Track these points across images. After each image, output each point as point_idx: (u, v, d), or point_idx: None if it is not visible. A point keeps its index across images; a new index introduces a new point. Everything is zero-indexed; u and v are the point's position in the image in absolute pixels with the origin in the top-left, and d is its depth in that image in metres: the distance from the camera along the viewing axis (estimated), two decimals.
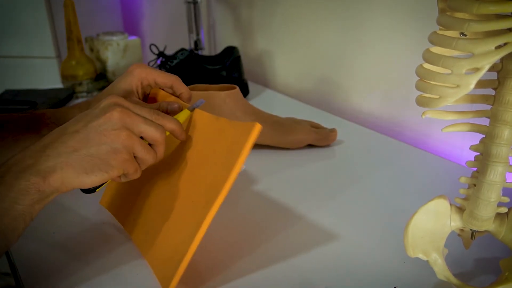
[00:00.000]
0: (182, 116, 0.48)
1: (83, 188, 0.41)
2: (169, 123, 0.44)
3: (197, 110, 0.49)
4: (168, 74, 0.53)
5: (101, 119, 0.40)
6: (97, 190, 0.43)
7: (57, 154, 0.39)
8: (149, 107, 0.45)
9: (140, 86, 0.53)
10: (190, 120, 0.49)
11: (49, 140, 0.40)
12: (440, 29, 0.35)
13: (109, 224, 0.55)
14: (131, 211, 0.51)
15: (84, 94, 1.08)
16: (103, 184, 0.42)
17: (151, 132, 0.42)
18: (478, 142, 0.38)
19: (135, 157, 0.42)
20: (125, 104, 0.42)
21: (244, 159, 0.40)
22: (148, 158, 0.42)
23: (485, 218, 0.39)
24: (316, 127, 0.78)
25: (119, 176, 0.42)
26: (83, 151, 0.39)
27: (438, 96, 0.33)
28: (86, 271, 0.46)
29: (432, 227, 0.41)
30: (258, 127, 0.40)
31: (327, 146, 0.77)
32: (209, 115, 0.47)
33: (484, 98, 0.37)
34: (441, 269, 0.41)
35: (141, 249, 0.47)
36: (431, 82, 0.34)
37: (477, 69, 0.31)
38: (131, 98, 0.52)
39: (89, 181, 0.40)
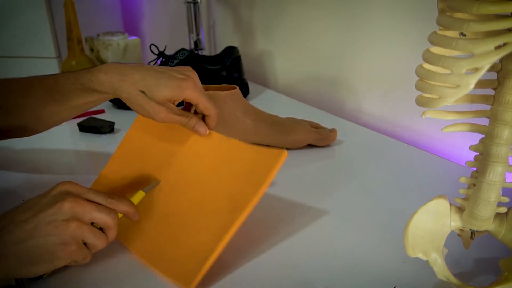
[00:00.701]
0: (137, 197, 0.49)
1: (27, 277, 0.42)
2: (122, 206, 0.44)
3: (213, 133, 0.52)
4: (212, 105, 0.52)
5: (51, 209, 0.40)
6: (43, 277, 0.43)
7: (2, 244, 0.38)
8: (102, 194, 0.44)
9: (180, 101, 0.53)
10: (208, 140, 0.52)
11: None
12: (440, 29, 0.35)
13: None
14: (131, 227, 0.51)
15: None
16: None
17: (103, 218, 0.42)
18: (478, 142, 0.38)
19: (85, 243, 0.42)
20: (77, 192, 0.42)
21: (271, 180, 0.44)
22: (98, 243, 0.42)
23: (485, 218, 0.39)
24: (316, 127, 0.78)
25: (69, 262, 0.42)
26: (29, 242, 0.39)
27: (438, 96, 0.33)
28: (86, 271, 0.46)
29: (432, 227, 0.41)
30: (285, 155, 0.43)
31: (327, 146, 0.77)
32: (233, 141, 0.49)
33: (484, 98, 0.37)
34: (441, 269, 0.41)
35: (146, 258, 0.47)
36: (431, 82, 0.34)
37: (477, 69, 0.31)
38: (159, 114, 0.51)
39: (34, 271, 0.40)
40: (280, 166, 0.44)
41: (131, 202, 0.46)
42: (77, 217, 0.40)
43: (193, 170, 0.51)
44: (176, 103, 0.52)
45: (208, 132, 0.52)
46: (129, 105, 0.51)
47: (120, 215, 0.45)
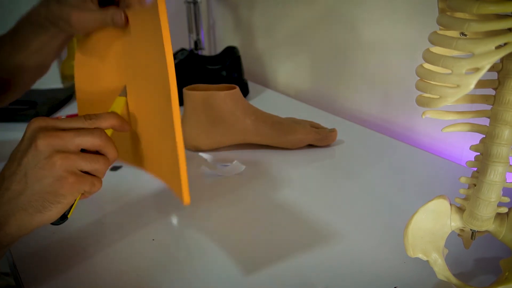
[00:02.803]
0: (118, 105, 0.45)
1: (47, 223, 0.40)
2: (105, 122, 0.42)
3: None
4: None
5: (30, 152, 0.38)
6: (68, 216, 0.41)
7: (4, 202, 0.38)
8: (78, 117, 0.41)
9: None
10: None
11: None
12: (440, 29, 0.35)
13: (109, 224, 0.55)
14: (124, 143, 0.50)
15: None
16: (70, 208, 0.41)
17: (89, 141, 0.39)
18: (478, 142, 0.38)
19: (86, 172, 0.40)
20: (48, 125, 0.39)
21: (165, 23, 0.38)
22: (99, 167, 0.40)
23: (485, 218, 0.39)
24: (316, 127, 0.78)
25: (82, 194, 0.41)
26: (27, 192, 0.38)
27: (438, 96, 0.33)
28: (86, 270, 0.46)
29: (432, 227, 0.41)
30: None
31: (327, 146, 0.77)
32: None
33: (484, 98, 0.37)
34: (441, 269, 0.41)
35: (152, 170, 0.46)
36: (431, 82, 0.34)
37: (477, 69, 0.31)
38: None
39: (46, 217, 0.39)
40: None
41: (114, 113, 0.43)
42: (58, 149, 0.38)
43: (141, 62, 0.46)
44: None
45: (124, 20, 0.46)
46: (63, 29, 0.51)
47: (109, 131, 0.42)
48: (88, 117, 0.41)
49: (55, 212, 0.39)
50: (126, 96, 0.46)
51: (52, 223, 0.40)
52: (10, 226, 0.38)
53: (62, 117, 0.91)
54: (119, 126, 0.43)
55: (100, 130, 0.40)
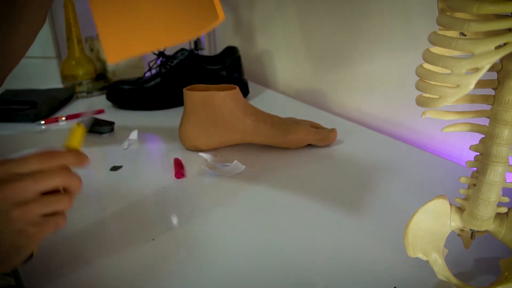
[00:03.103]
0: (75, 136, 0.42)
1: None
2: (64, 159, 0.38)
3: None
4: None
5: None
6: (33, 255, 0.40)
7: None
8: (31, 157, 0.37)
9: None
10: None
11: None
12: (440, 29, 0.35)
13: (109, 224, 0.55)
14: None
15: (84, 94, 1.08)
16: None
17: (49, 185, 0.37)
18: (478, 142, 0.38)
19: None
20: (3, 173, 0.36)
21: None
22: (62, 206, 0.38)
23: (485, 218, 0.39)
24: (316, 127, 0.78)
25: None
26: None
27: (438, 96, 0.33)
28: (86, 270, 0.46)
29: (432, 227, 0.41)
30: None
31: (327, 146, 0.77)
32: None
33: (484, 98, 0.37)
34: (441, 269, 0.41)
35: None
36: (431, 82, 0.34)
37: (477, 69, 0.31)
38: None
39: (11, 265, 0.37)
40: None
41: (73, 151, 0.39)
42: (15, 201, 0.35)
43: None
44: None
45: None
46: None
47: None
48: (45, 156, 0.37)
49: (19, 260, 0.38)
50: (83, 125, 0.43)
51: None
52: None
53: (63, 117, 0.91)
54: (79, 163, 0.39)
55: (60, 169, 0.37)
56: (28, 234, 0.36)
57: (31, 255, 0.40)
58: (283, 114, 0.78)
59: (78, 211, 0.57)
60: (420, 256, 0.41)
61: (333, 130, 0.77)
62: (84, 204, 0.58)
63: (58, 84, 1.12)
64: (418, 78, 0.36)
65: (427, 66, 0.35)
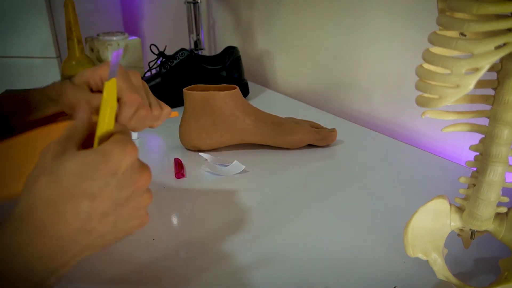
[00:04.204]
0: (109, 92, 0.36)
1: None
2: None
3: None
4: (131, 89, 0.42)
5: (127, 190, 0.33)
6: None
7: (80, 248, 0.32)
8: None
9: (98, 83, 0.45)
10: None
11: (62, 229, 0.31)
12: (440, 29, 0.35)
13: None
14: None
15: None
16: None
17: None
18: (478, 142, 0.38)
19: None
20: (135, 160, 0.35)
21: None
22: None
23: (485, 218, 0.39)
24: (316, 127, 0.78)
25: None
26: (109, 233, 0.34)
27: (437, 96, 0.33)
28: (87, 270, 0.46)
29: (432, 227, 0.41)
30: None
31: (327, 146, 0.77)
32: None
33: (484, 98, 0.37)
34: (441, 269, 0.41)
35: None
36: (431, 82, 0.34)
37: (476, 69, 0.31)
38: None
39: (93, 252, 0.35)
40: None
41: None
42: (146, 187, 0.35)
43: None
44: (95, 86, 0.44)
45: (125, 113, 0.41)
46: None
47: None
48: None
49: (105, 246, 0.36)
50: (115, 76, 0.37)
51: None
52: (68, 269, 0.33)
53: None
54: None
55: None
56: (144, 222, 0.36)
57: None
58: (283, 114, 0.78)
59: None
60: (420, 256, 0.41)
61: (333, 130, 0.77)
62: None
63: None
64: (418, 78, 0.36)
65: (427, 66, 0.35)
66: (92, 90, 0.45)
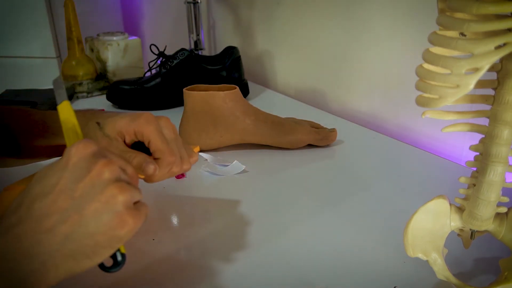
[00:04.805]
0: (65, 113, 0.39)
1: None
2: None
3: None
4: (168, 149, 0.43)
5: (86, 182, 0.32)
6: (122, 259, 0.35)
7: (44, 250, 0.30)
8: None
9: (134, 138, 0.45)
10: None
11: (23, 227, 0.30)
12: (440, 29, 0.35)
13: None
14: None
15: (85, 94, 1.08)
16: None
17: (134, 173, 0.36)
18: (478, 142, 0.38)
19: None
20: (102, 150, 0.34)
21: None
22: (141, 196, 0.35)
23: (485, 218, 0.39)
24: (316, 127, 0.78)
25: None
26: (78, 234, 0.31)
27: (437, 96, 0.33)
28: (86, 269, 0.46)
29: (432, 227, 0.41)
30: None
31: (327, 146, 0.77)
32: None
33: (484, 98, 0.37)
34: (441, 269, 0.41)
35: None
36: (431, 82, 0.34)
37: (476, 69, 0.31)
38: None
39: (93, 263, 0.33)
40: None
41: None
42: (117, 178, 0.33)
43: None
44: (129, 137, 0.44)
45: (157, 169, 0.41)
46: None
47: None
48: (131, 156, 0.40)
49: (105, 257, 0.33)
50: (65, 98, 0.38)
51: (106, 270, 0.35)
52: (48, 281, 0.31)
53: None
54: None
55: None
56: (124, 220, 0.32)
57: (120, 262, 0.35)
58: (283, 114, 0.78)
59: None
60: (420, 256, 0.41)
61: (333, 130, 0.77)
62: None
63: None
64: (418, 78, 0.36)
65: (427, 66, 0.35)
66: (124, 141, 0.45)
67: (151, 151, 0.42)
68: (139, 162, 0.40)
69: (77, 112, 0.49)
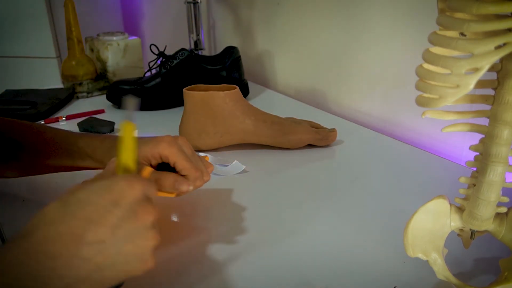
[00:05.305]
0: (127, 140, 0.37)
1: None
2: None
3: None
4: (192, 165, 0.47)
5: (130, 223, 0.33)
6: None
7: (75, 275, 0.31)
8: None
9: (159, 161, 0.48)
10: None
11: (57, 249, 0.31)
12: (440, 29, 0.35)
13: None
14: None
15: (85, 94, 1.08)
16: None
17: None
18: (478, 142, 0.38)
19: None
20: (148, 194, 0.36)
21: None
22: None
23: (485, 218, 0.39)
24: (316, 127, 0.78)
25: None
26: (107, 266, 0.32)
27: (437, 96, 0.33)
28: None
29: (432, 227, 0.41)
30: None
31: (327, 146, 0.77)
32: None
33: (484, 98, 0.37)
34: (441, 269, 0.41)
35: None
36: (431, 82, 0.34)
37: (476, 69, 0.31)
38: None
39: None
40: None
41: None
42: (154, 224, 0.35)
43: None
44: (155, 161, 0.48)
45: (191, 187, 0.46)
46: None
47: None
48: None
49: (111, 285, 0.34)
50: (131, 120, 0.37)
51: None
52: None
53: (63, 117, 0.91)
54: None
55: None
56: (147, 263, 0.35)
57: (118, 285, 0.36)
58: (283, 114, 0.78)
59: None
60: (420, 256, 0.41)
61: (333, 130, 0.77)
62: None
63: (58, 84, 1.12)
64: (418, 78, 0.36)
65: (427, 66, 0.35)
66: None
67: (178, 170, 0.47)
68: (172, 182, 0.45)
69: (95, 138, 0.50)
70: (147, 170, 0.44)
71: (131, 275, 0.34)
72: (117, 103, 0.98)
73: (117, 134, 0.84)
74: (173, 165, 0.47)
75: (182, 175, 0.47)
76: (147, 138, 0.48)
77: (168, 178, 0.45)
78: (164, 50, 0.98)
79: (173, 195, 0.46)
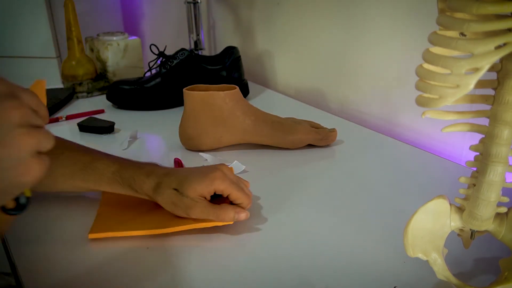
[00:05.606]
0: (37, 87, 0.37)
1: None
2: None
3: None
4: (243, 194, 0.52)
5: None
6: (26, 203, 0.34)
7: None
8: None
9: (212, 193, 0.52)
10: None
11: None
12: (440, 29, 0.35)
13: None
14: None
15: (85, 94, 1.08)
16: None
17: (40, 120, 0.33)
18: (478, 142, 0.38)
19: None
20: (12, 91, 0.31)
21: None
22: (50, 143, 0.33)
23: (485, 218, 0.39)
24: (316, 127, 0.78)
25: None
26: None
27: (437, 96, 0.33)
28: (85, 271, 0.46)
29: (432, 227, 0.41)
30: None
31: (327, 146, 0.77)
32: None
33: (484, 98, 0.37)
34: (441, 269, 0.41)
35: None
36: (431, 82, 0.34)
37: (476, 69, 0.31)
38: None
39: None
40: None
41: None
42: (19, 123, 0.30)
43: None
44: (209, 196, 0.52)
45: (248, 214, 0.52)
46: (164, 206, 0.52)
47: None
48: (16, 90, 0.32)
49: (5, 201, 0.32)
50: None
51: (8, 212, 0.33)
52: None
53: (63, 117, 0.91)
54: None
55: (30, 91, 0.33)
56: (30, 167, 0.30)
57: (23, 206, 0.34)
58: (283, 114, 0.78)
59: (76, 212, 0.57)
60: (420, 256, 0.41)
61: (333, 130, 0.77)
62: (83, 205, 0.58)
63: (58, 84, 1.12)
64: (418, 78, 0.36)
65: (427, 66, 0.35)
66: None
67: (232, 200, 0.53)
68: (232, 216, 0.51)
69: (128, 164, 0.55)
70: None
71: (17, 185, 0.31)
72: (117, 103, 0.98)
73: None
74: (226, 195, 0.52)
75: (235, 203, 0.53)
76: (197, 173, 0.52)
77: (228, 212, 0.51)
78: (164, 50, 0.98)
79: (231, 223, 0.52)
